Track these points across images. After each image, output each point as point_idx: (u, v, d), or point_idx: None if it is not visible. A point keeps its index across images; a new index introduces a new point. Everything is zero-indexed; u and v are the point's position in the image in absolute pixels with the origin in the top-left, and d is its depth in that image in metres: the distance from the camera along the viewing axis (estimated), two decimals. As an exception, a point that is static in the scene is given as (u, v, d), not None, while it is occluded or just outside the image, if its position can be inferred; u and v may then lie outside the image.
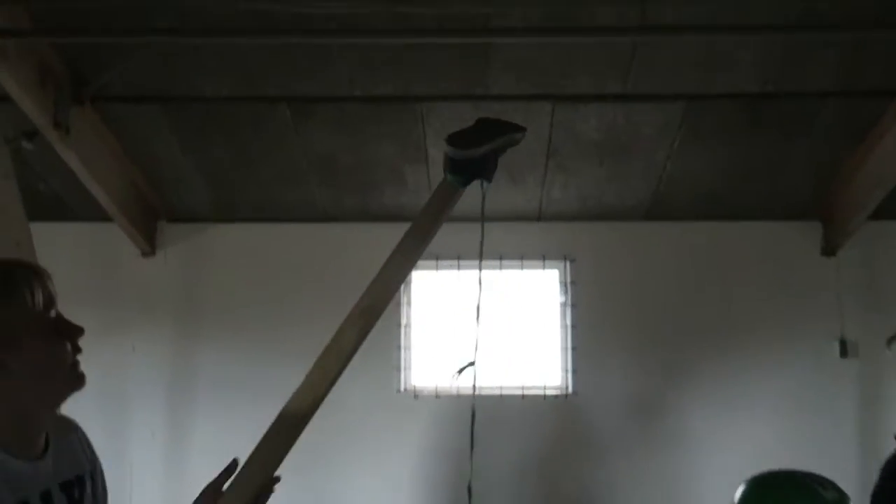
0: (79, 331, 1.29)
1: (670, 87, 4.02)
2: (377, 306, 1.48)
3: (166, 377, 5.10)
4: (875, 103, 4.14)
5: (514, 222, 5.10)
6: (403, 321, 5.10)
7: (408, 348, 5.14)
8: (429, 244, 1.56)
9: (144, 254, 5.16)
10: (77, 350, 1.30)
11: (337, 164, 4.60)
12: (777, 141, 4.40)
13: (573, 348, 5.06)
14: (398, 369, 5.04)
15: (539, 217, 5.09)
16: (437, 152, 4.47)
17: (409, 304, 5.15)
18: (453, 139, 1.47)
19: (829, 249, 5.06)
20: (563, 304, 5.16)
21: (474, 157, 1.45)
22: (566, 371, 5.09)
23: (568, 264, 5.15)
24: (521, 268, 5.16)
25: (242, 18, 3.44)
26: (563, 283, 5.16)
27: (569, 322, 5.10)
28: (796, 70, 3.91)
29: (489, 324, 5.13)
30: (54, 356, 1.27)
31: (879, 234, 5.06)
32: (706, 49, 3.77)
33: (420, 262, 5.20)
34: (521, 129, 1.52)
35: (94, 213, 4.74)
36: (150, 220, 5.12)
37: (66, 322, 1.29)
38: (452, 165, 1.46)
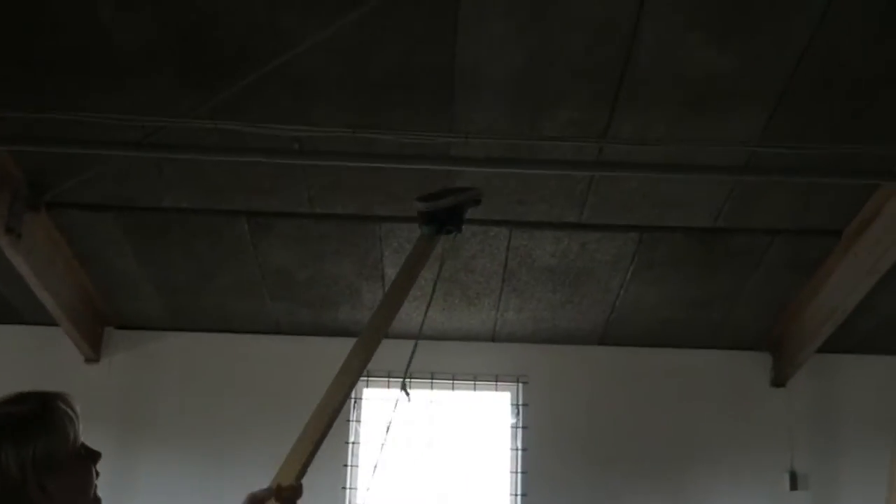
0: (99, 455, 1.41)
1: (625, 219, 4.11)
2: (381, 330, 1.70)
3: (104, 489, 4.86)
4: (822, 241, 4.27)
5: (468, 342, 5.10)
6: (351, 438, 4.99)
7: (355, 466, 5.01)
8: (408, 294, 1.79)
9: (88, 360, 5.02)
10: (97, 474, 1.42)
11: (293, 279, 4.58)
12: (728, 274, 4.49)
13: (523, 472, 4.98)
14: (345, 487, 4.90)
15: (493, 338, 5.08)
16: (394, 271, 4.49)
17: (358, 421, 5.04)
18: (423, 197, 1.76)
19: (778, 381, 5.11)
20: (514, 427, 5.10)
21: (441, 207, 1.74)
22: (515, 495, 4.99)
23: (520, 386, 5.13)
24: (474, 388, 5.12)
25: (207, 135, 3.47)
26: (515, 405, 5.11)
27: (519, 445, 5.03)
28: (747, 208, 4.03)
29: (439, 444, 5.04)
30: (86, 481, 1.40)
31: (828, 367, 5.14)
32: (660, 184, 3.87)
33: (371, 380, 5.10)
34: (477, 189, 1.83)
35: (42, 317, 4.63)
36: (97, 326, 5.01)
37: (90, 448, 1.41)
38: (425, 218, 1.74)
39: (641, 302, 4.72)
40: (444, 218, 1.76)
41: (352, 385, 1.63)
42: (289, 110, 3.47)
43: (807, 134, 3.53)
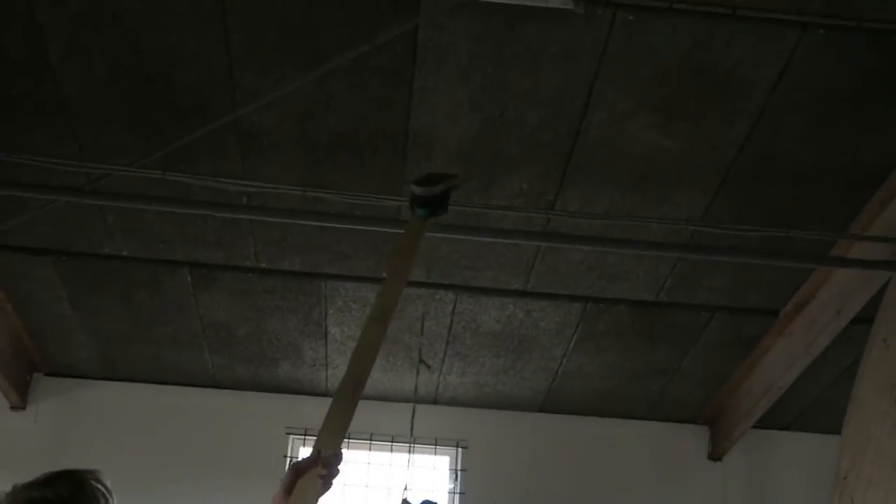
0: None
1: (570, 289, 4.15)
2: (389, 311, 1.77)
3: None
4: (760, 320, 4.36)
5: (410, 404, 5.04)
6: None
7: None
8: (410, 272, 1.94)
9: (14, 407, 4.84)
10: None
11: (233, 333, 4.50)
12: (668, 347, 4.55)
13: (460, 539, 4.90)
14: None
15: (435, 401, 5.05)
16: (339, 330, 4.45)
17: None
18: (419, 181, 1.93)
19: (715, 455, 5.15)
20: (452, 492, 5.03)
21: (435, 193, 1.91)
22: (451, 563, 4.90)
23: (460, 451, 5.08)
24: (412, 451, 5.05)
25: (154, 184, 3.42)
26: (454, 470, 5.05)
27: (457, 511, 4.97)
28: (688, 284, 4.10)
29: (375, 509, 4.94)
30: None
31: (763, 443, 5.20)
32: (605, 257, 3.93)
33: (308, 439, 4.95)
34: (458, 176, 2.02)
35: (-35, 361, 4.46)
36: (26, 371, 4.84)
37: None
38: (421, 202, 1.91)
39: (583, 371, 4.74)
40: (437, 202, 1.93)
41: (377, 351, 1.73)
42: (239, 165, 3.46)
43: (746, 217, 3.62)
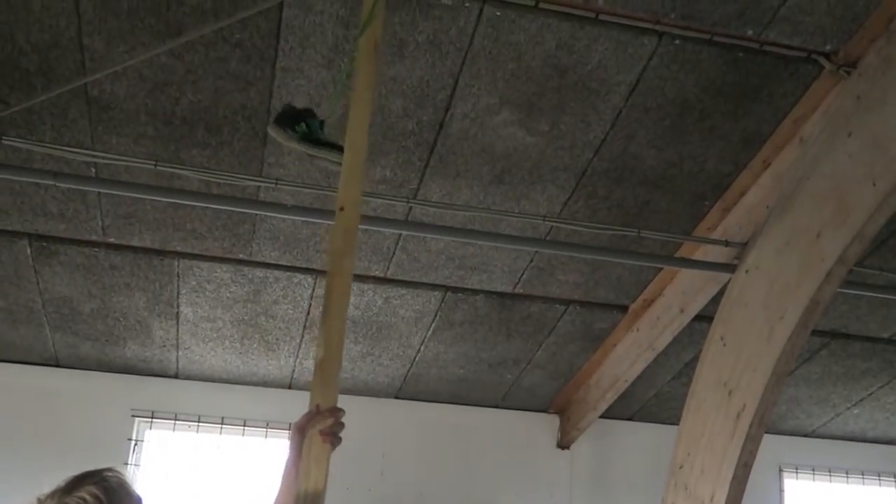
0: None
1: (429, 277, 4.18)
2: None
3: None
4: (610, 315, 4.52)
5: (264, 388, 4.97)
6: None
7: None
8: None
9: None
10: None
11: (77, 310, 4.28)
12: (523, 339, 4.65)
13: (309, 526, 4.86)
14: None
15: (290, 385, 4.98)
16: (192, 311, 4.31)
17: (137, 465, 4.74)
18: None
19: (564, 443, 5.33)
20: (305, 478, 4.99)
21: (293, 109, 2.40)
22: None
23: (315, 436, 5.03)
24: (266, 436, 4.97)
25: (-10, 149, 3.20)
26: (307, 456, 5.00)
27: (308, 497, 4.92)
28: (544, 277, 4.21)
29: (225, 492, 4.83)
30: None
31: (609, 432, 5.43)
32: (465, 248, 3.97)
33: (156, 421, 4.81)
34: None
35: None
36: None
37: None
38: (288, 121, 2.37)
39: (440, 359, 4.79)
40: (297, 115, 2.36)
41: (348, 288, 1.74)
42: (87, 134, 3.27)
43: (599, 216, 3.75)
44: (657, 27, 2.96)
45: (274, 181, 3.26)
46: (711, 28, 2.96)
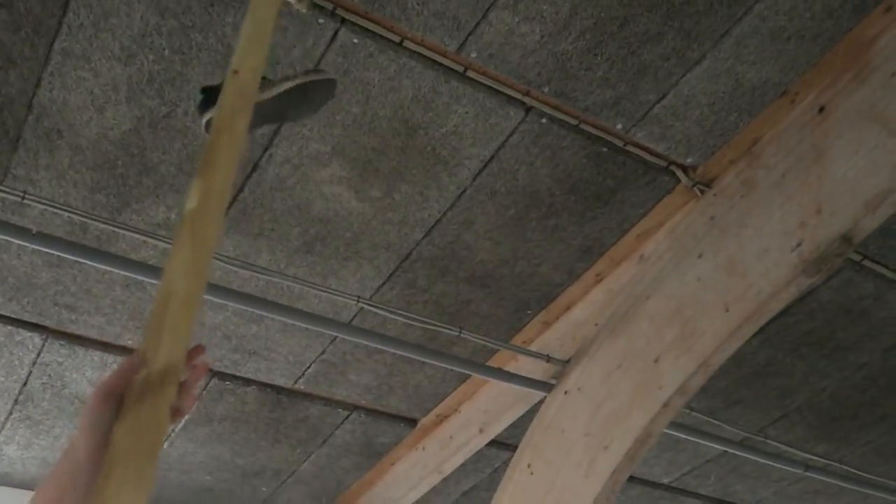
0: None
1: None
2: None
3: None
4: (395, 428, 3.97)
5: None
6: None
7: None
8: None
9: None
10: None
11: None
12: (291, 445, 3.96)
13: None
14: None
15: (-21, 476, 3.87)
16: None
17: None
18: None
19: (312, 574, 4.57)
20: None
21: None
22: None
23: None
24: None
25: None
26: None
27: None
28: (333, 375, 3.60)
29: None
30: None
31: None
32: (248, 326, 3.29)
33: None
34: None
35: None
36: None
37: None
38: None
39: (186, 461, 3.94)
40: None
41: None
42: None
43: (413, 309, 3.27)
44: (526, 99, 2.61)
45: (20, 193, 2.45)
46: (582, 113, 2.67)
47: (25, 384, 3.41)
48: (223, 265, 2.85)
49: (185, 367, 1.01)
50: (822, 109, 2.59)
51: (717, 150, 2.83)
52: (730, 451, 3.89)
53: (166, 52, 2.38)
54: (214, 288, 2.78)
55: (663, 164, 2.87)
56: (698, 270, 2.85)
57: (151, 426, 0.94)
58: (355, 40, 2.40)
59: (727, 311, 2.68)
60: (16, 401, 3.48)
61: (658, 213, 3.04)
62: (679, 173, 2.90)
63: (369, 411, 3.85)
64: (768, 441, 3.98)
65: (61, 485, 0.95)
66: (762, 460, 3.93)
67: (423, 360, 3.26)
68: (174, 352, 1.00)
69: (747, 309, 2.62)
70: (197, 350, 1.03)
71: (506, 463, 3.90)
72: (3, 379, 3.38)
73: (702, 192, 2.93)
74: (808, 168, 2.59)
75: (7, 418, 3.56)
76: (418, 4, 2.31)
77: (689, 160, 2.87)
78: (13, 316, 3.15)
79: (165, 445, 3.82)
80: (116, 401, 0.96)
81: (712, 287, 2.77)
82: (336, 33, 2.38)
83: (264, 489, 4.23)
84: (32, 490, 3.66)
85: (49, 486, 0.96)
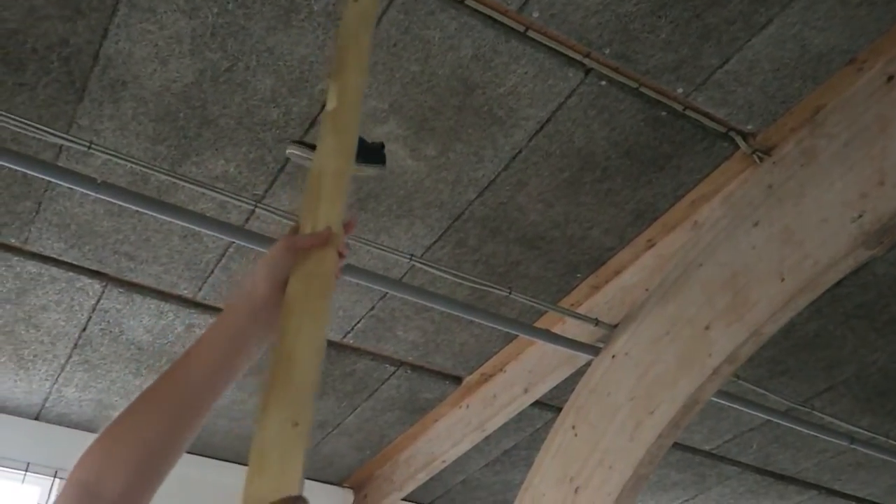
0: None
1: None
2: None
3: None
4: (440, 385, 4.02)
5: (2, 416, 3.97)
6: None
7: None
8: None
9: None
10: None
11: None
12: (338, 398, 4.03)
13: None
14: None
15: (38, 416, 4.01)
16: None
17: None
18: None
19: (354, 523, 4.69)
20: (33, 534, 3.99)
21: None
22: None
23: (56, 482, 4.06)
24: (-8, 476, 3.95)
25: None
26: (43, 506, 4.02)
27: (33, 560, 3.92)
28: (381, 331, 3.65)
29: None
30: None
31: (404, 516, 4.85)
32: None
33: None
34: None
35: None
36: None
37: None
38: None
39: (235, 409, 4.04)
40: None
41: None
42: None
43: (463, 268, 3.29)
44: (586, 60, 2.59)
45: (87, 143, 2.50)
46: (642, 76, 2.64)
47: (85, 329, 3.51)
48: (278, 219, 2.90)
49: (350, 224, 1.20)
50: (890, 78, 2.52)
51: (779, 118, 2.78)
52: (774, 420, 3.87)
53: (230, 5, 2.40)
54: (265, 239, 2.82)
55: (722, 130, 2.84)
56: (753, 238, 2.82)
57: (321, 276, 1.11)
58: (416, -3, 2.39)
59: (782, 280, 2.65)
60: (75, 345, 3.59)
61: (714, 180, 3.01)
62: (738, 140, 2.86)
63: (415, 368, 3.90)
64: (814, 412, 3.95)
65: (240, 318, 1.11)
66: (807, 431, 3.91)
67: (470, 318, 3.28)
68: (331, 216, 1.16)
69: (802, 279, 2.59)
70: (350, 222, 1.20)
71: (547, 424, 3.94)
72: (63, 323, 3.49)
73: (760, 159, 2.89)
74: (873, 138, 2.54)
75: (67, 361, 3.68)
76: (482, -38, 2.30)
77: (749, 127, 2.82)
78: (75, 262, 3.23)
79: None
80: (293, 255, 1.12)
81: (767, 256, 2.74)
82: (398, -10, 2.37)
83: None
84: (90, 431, 3.79)
85: (227, 317, 1.13)
